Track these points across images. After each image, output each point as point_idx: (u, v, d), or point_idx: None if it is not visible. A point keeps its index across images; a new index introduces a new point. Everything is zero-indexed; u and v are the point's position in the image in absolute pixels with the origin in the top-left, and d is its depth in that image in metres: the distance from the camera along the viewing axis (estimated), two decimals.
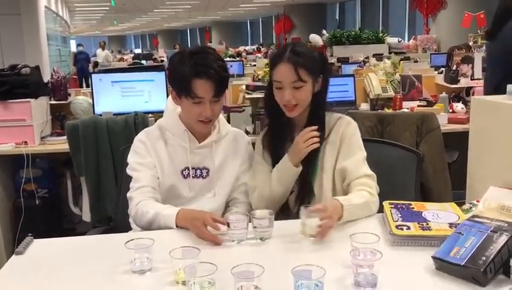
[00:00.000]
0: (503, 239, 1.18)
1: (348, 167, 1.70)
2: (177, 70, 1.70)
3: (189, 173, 1.78)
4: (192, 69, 1.65)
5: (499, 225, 1.24)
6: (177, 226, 1.56)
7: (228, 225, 1.44)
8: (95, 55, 16.59)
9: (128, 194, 1.73)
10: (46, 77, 3.71)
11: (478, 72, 3.96)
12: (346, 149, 1.73)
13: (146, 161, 1.75)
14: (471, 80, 3.95)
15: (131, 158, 1.78)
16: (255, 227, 1.46)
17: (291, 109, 1.71)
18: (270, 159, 1.81)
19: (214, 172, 1.80)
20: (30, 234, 1.53)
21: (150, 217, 1.62)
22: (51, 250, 1.48)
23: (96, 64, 13.29)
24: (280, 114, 1.75)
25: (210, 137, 1.82)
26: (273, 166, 1.77)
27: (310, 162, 1.72)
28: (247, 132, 3.31)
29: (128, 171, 1.77)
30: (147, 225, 1.64)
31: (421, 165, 1.94)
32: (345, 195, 1.66)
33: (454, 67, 4.03)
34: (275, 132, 1.81)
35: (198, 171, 1.79)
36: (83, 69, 12.54)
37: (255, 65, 8.55)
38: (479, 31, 10.62)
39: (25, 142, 3.13)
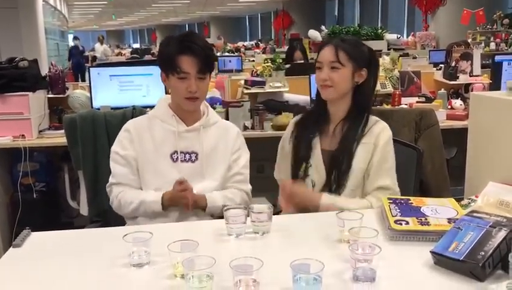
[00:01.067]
0: (501, 234, 1.18)
1: (372, 175, 1.73)
2: (164, 51, 1.80)
3: (177, 157, 1.81)
4: (178, 46, 1.75)
5: (498, 220, 1.24)
6: (163, 208, 1.71)
7: (226, 218, 1.44)
8: (93, 50, 16.43)
9: (107, 187, 1.85)
10: (44, 71, 3.70)
11: (477, 69, 3.96)
12: (379, 158, 1.74)
13: (126, 154, 1.83)
14: (470, 76, 3.94)
15: (114, 147, 1.88)
16: (253, 221, 1.45)
17: (325, 88, 1.74)
18: (292, 146, 1.84)
19: (203, 156, 1.82)
20: (27, 227, 1.53)
21: (133, 207, 1.76)
22: (48, 243, 1.48)
23: (94, 58, 13.07)
24: (319, 102, 1.81)
25: (199, 121, 1.86)
26: (294, 154, 1.82)
27: (346, 164, 1.73)
28: (245, 127, 3.32)
29: (110, 160, 1.87)
30: (132, 213, 1.77)
31: (421, 161, 1.94)
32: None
33: (453, 64, 4.02)
34: (309, 116, 1.87)
35: (187, 156, 1.83)
36: (79, 64, 11.68)
37: (253, 60, 8.53)
38: (478, 27, 10.63)
39: (23, 135, 3.12)
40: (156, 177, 1.81)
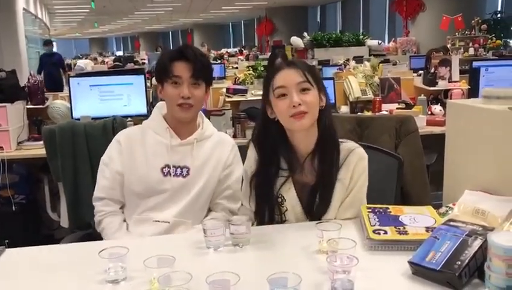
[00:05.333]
0: (477, 243, 1.19)
1: (344, 205, 1.60)
2: (160, 61, 1.81)
3: (169, 171, 1.78)
4: (172, 54, 1.77)
5: (474, 228, 1.25)
6: None
7: (205, 231, 1.43)
8: (77, 58, 16.01)
9: (93, 199, 1.85)
10: (25, 80, 3.65)
11: (455, 75, 4.01)
12: (354, 190, 1.59)
13: (113, 166, 1.81)
14: (449, 82, 4.00)
15: (103, 156, 1.87)
16: (232, 233, 1.44)
17: (300, 117, 1.48)
18: (255, 185, 1.61)
19: (194, 171, 1.79)
20: (7, 241, 1.50)
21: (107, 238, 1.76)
22: (23, 259, 1.45)
23: (69, 66, 11.55)
24: (280, 141, 1.57)
25: (193, 135, 1.82)
26: (258, 208, 1.61)
27: (324, 201, 1.58)
28: None
29: (100, 166, 1.86)
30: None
31: (401, 171, 1.93)
32: None
33: (432, 70, 4.08)
34: (270, 162, 1.59)
35: (178, 170, 1.79)
36: (51, 76, 8.67)
37: (237, 68, 8.55)
38: (457, 33, 10.81)
39: (1, 147, 3.09)
40: (145, 189, 1.78)
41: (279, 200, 1.60)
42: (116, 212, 1.83)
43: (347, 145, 1.61)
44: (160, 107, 1.88)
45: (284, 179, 1.59)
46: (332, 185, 1.57)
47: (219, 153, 1.85)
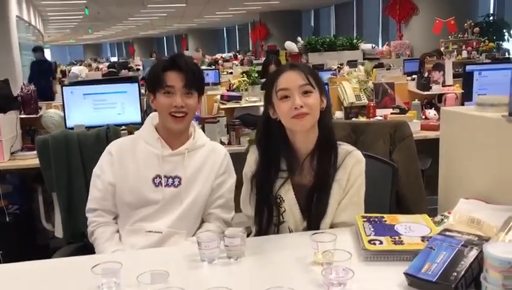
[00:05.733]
0: (473, 254, 1.18)
1: (340, 208, 1.62)
2: (152, 71, 1.82)
3: (160, 181, 1.77)
4: (164, 63, 1.76)
5: (469, 238, 1.24)
6: None
7: (199, 244, 1.42)
8: (72, 64, 15.90)
9: (86, 210, 1.84)
10: (19, 88, 3.63)
11: (449, 79, 4.02)
12: (351, 193, 1.62)
13: (105, 177, 1.80)
14: (443, 86, 4.01)
15: (95, 168, 1.86)
16: (226, 245, 1.43)
17: (302, 117, 1.53)
18: (255, 185, 1.65)
19: (186, 181, 1.78)
20: (0, 252, 1.48)
21: (98, 249, 1.75)
22: (14, 275, 1.43)
23: (63, 73, 11.14)
24: (281, 141, 1.61)
25: (184, 145, 1.81)
26: (258, 208, 1.63)
27: (322, 202, 1.60)
28: (222, 143, 3.30)
29: (92, 178, 1.86)
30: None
31: (396, 177, 1.93)
32: None
33: (426, 74, 4.09)
34: (270, 163, 1.62)
35: (170, 180, 1.78)
36: (40, 87, 6.22)
37: (231, 73, 8.54)
38: (450, 36, 10.86)
39: None
40: (137, 200, 1.77)
41: (278, 201, 1.63)
42: (108, 223, 1.82)
43: (345, 147, 1.66)
44: (153, 118, 1.87)
45: (283, 180, 1.62)
46: (329, 186, 1.60)
47: (211, 162, 1.84)
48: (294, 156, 1.62)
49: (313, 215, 1.61)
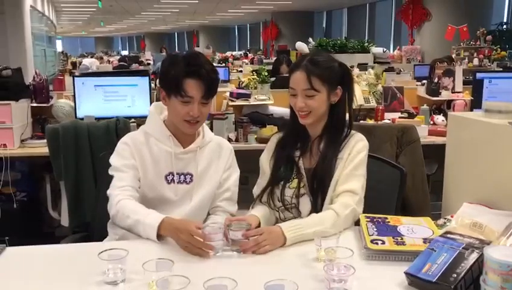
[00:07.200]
0: (474, 256, 1.20)
1: (342, 179, 1.71)
2: (168, 71, 1.72)
3: (173, 178, 1.79)
4: (185, 69, 1.69)
5: (471, 242, 1.26)
6: (158, 237, 1.52)
7: (204, 236, 1.44)
8: (83, 56, 15.87)
9: (108, 191, 1.71)
10: (31, 77, 3.67)
11: (459, 86, 4.02)
12: (351, 166, 1.72)
13: (129, 163, 1.75)
14: (452, 92, 4.01)
15: (114, 160, 1.77)
16: (231, 239, 1.45)
17: (304, 116, 1.73)
18: (274, 161, 1.82)
19: (197, 177, 1.80)
20: (7, 238, 1.51)
21: (130, 223, 1.60)
22: (23, 258, 1.46)
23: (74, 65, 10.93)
24: (296, 122, 1.79)
25: (195, 143, 1.83)
26: (274, 168, 1.79)
27: (325, 178, 1.72)
28: (229, 139, 3.32)
29: (111, 171, 1.76)
30: (127, 229, 1.63)
31: (404, 182, 1.92)
32: None
33: (435, 80, 4.08)
34: (289, 134, 1.85)
35: (182, 177, 1.80)
36: None
37: (241, 71, 8.56)
38: (462, 43, 10.81)
39: (4, 145, 3.10)
40: (155, 197, 1.77)
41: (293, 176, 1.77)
42: (135, 197, 1.72)
43: (353, 132, 1.80)
44: (158, 109, 1.85)
45: (296, 157, 1.79)
46: (331, 168, 1.72)
47: (219, 157, 1.87)
48: (308, 138, 1.80)
49: (319, 192, 1.72)
